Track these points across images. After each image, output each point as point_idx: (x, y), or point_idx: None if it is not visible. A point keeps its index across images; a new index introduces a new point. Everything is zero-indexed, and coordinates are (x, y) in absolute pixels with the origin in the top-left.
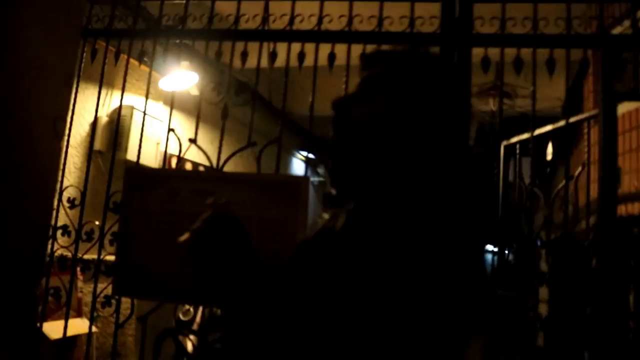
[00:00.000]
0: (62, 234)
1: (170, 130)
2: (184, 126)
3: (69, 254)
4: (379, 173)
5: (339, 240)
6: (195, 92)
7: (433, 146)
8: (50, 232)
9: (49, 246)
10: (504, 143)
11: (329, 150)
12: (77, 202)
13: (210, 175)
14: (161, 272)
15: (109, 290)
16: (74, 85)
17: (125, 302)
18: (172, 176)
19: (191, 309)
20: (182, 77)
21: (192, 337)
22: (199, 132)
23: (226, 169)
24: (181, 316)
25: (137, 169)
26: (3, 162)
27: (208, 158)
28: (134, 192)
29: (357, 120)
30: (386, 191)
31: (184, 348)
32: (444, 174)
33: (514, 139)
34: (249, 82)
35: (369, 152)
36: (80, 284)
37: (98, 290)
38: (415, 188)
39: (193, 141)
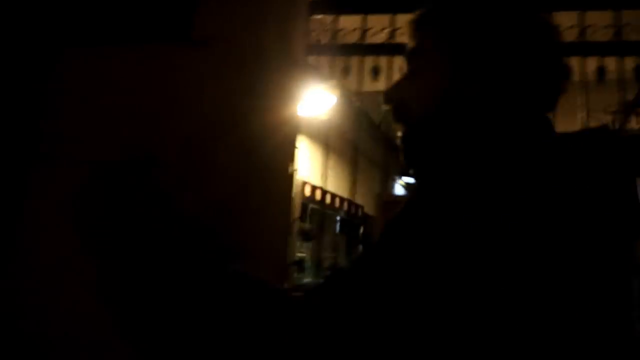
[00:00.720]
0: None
1: None
2: (312, 153)
3: None
4: (436, 154)
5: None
6: (326, 117)
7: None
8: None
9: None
10: None
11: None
12: None
13: None
14: None
15: None
16: None
17: None
18: None
19: None
20: (318, 100)
21: None
22: (329, 161)
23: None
24: None
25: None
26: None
27: None
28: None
29: (407, 104)
30: (444, 171)
31: None
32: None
33: None
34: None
35: (424, 135)
36: None
37: None
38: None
39: None
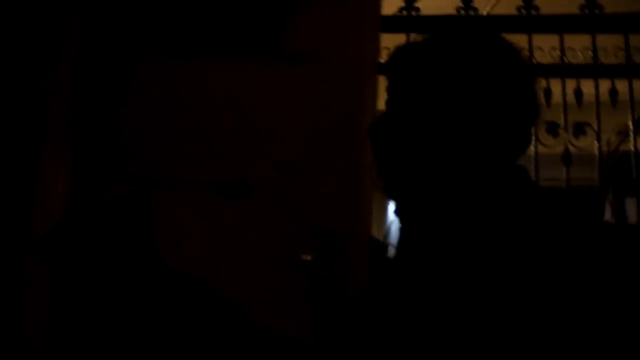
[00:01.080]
0: None
1: None
2: None
3: None
4: (417, 190)
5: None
6: None
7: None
8: None
9: None
10: None
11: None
12: None
13: None
14: None
15: None
16: None
17: None
18: None
19: None
20: None
21: None
22: None
23: None
24: None
25: None
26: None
27: None
28: None
29: (387, 147)
30: (425, 208)
31: None
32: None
33: None
34: None
35: (405, 170)
36: None
37: None
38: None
39: None
